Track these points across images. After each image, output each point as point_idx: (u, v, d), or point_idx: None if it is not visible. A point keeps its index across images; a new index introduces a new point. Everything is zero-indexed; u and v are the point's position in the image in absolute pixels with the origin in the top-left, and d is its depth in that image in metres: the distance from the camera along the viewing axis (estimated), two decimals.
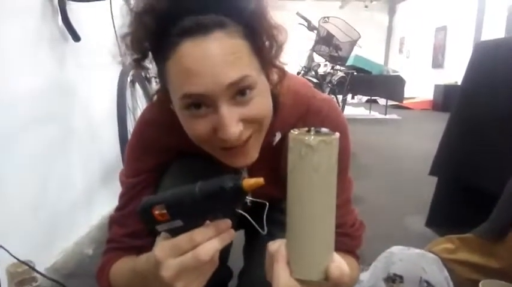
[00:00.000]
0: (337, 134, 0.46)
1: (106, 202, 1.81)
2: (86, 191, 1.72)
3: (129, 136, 1.36)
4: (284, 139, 0.71)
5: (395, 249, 0.83)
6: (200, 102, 0.56)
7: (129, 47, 0.60)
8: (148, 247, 0.63)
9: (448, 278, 0.79)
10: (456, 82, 7.34)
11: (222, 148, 0.61)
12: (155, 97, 0.71)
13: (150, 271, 0.53)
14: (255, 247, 0.94)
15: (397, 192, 2.52)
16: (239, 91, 0.56)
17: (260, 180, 0.47)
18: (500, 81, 1.49)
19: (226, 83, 0.54)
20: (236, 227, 1.05)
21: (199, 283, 0.52)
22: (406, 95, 7.16)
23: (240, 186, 0.47)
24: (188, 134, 0.62)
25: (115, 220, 0.78)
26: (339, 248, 0.60)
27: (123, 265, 0.70)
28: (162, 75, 0.61)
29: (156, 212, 0.50)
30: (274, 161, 0.74)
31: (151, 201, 0.52)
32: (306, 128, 0.47)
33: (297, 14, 3.42)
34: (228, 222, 0.51)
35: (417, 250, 0.85)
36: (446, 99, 7.49)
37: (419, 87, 9.10)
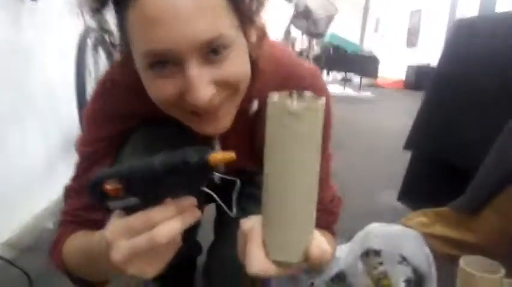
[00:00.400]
0: (323, 99, 0.39)
1: (67, 173, 1.70)
2: (44, 161, 1.62)
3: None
4: (262, 107, 0.65)
5: (374, 226, 0.79)
6: (166, 60, 0.48)
7: None
8: (106, 221, 0.56)
9: (429, 255, 0.76)
10: (429, 64, 7.54)
11: (191, 112, 0.54)
12: (116, 56, 0.62)
13: (102, 252, 0.46)
14: (226, 222, 0.88)
15: (370, 168, 2.54)
16: (212, 49, 0.48)
17: (230, 155, 0.41)
18: (476, 58, 1.48)
19: (198, 40, 0.46)
20: (205, 201, 0.98)
21: (156, 266, 0.45)
22: (379, 74, 7.30)
23: (206, 161, 0.41)
24: (152, 97, 0.54)
25: (70, 191, 0.71)
26: (316, 224, 0.57)
27: (77, 242, 0.63)
28: (122, 28, 0.52)
29: (109, 187, 0.44)
30: (250, 131, 0.68)
31: (103, 174, 0.45)
32: (287, 92, 0.39)
33: None
34: (191, 200, 0.45)
35: (397, 227, 0.82)
36: (418, 79, 7.73)
37: (393, 67, 9.23)
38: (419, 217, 1.10)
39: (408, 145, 1.68)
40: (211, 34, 0.47)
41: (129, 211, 0.45)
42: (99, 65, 1.52)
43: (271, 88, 0.63)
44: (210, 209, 0.99)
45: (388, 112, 5.19)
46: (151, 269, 0.45)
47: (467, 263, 0.73)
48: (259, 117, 0.66)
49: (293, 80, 0.67)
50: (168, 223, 0.42)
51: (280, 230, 0.42)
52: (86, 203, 0.67)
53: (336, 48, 6.85)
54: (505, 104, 1.37)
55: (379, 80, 8.17)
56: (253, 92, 0.63)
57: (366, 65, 6.98)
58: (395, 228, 0.83)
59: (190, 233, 0.90)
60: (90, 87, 1.39)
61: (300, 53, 3.80)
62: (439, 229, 1.02)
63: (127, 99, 0.65)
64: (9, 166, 1.35)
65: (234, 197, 0.70)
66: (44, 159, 1.61)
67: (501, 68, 1.40)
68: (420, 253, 0.77)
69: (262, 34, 0.59)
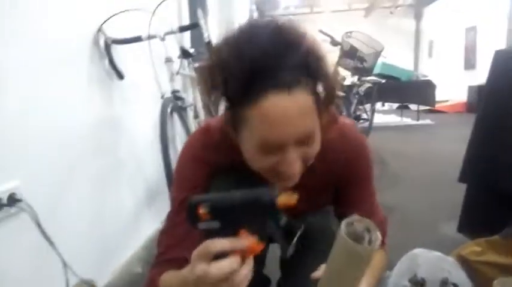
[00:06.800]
0: (377, 245, 0.57)
1: (151, 224, 1.95)
2: (133, 215, 1.87)
3: (172, 161, 1.50)
4: (317, 165, 0.83)
5: (418, 251, 0.91)
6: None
7: (220, 84, 0.67)
8: None
9: (468, 280, 0.85)
10: None
11: (275, 173, 0.72)
12: (203, 123, 0.89)
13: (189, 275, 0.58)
14: (291, 260, 1.04)
15: (430, 199, 2.52)
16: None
17: (293, 199, 0.53)
18: None
19: (298, 136, 0.67)
20: (270, 240, 1.18)
21: None
22: (438, 98, 7.03)
23: (274, 202, 0.53)
24: (249, 161, 0.73)
25: (164, 234, 0.85)
26: None
27: (172, 274, 0.74)
28: (237, 117, 0.69)
29: (201, 210, 0.54)
30: (307, 180, 0.84)
31: (199, 199, 0.55)
32: (355, 219, 0.59)
33: (320, 31, 3.52)
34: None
35: (438, 253, 0.92)
36: (481, 100, 7.23)
37: (452, 90, 8.90)
38: (472, 247, 1.17)
39: (462, 178, 1.71)
40: (307, 132, 0.68)
41: (210, 234, 0.54)
42: (174, 127, 1.79)
43: (332, 152, 0.82)
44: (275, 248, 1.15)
45: (448, 139, 5.00)
46: None
47: (501, 284, 0.82)
48: (315, 170, 0.84)
49: (349, 152, 0.87)
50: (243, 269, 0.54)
51: None
52: (180, 242, 0.81)
53: (389, 78, 6.77)
54: None
55: (438, 105, 7.87)
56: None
57: (422, 91, 6.71)
58: (437, 254, 0.93)
59: (258, 266, 1.05)
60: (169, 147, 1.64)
61: (350, 89, 3.91)
62: (490, 256, 1.09)
63: (212, 153, 0.85)
64: (106, 219, 1.60)
65: (295, 238, 0.86)
66: (133, 212, 1.86)
67: None
68: (462, 277, 0.86)
69: (332, 120, 0.79)
